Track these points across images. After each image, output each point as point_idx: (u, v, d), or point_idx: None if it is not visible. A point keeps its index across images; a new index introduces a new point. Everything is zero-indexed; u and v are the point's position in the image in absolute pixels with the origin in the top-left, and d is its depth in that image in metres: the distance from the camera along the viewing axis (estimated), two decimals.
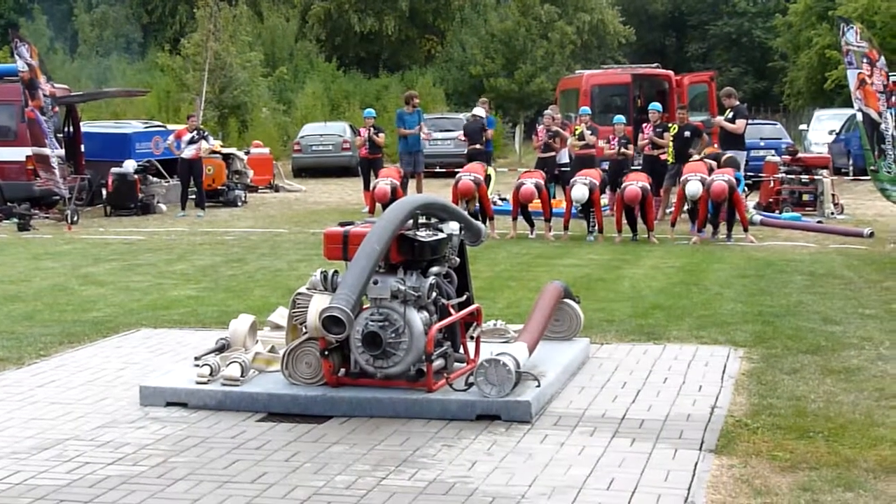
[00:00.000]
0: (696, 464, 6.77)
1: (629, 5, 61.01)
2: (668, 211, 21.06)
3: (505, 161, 41.16)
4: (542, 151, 24.13)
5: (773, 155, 24.31)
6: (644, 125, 23.26)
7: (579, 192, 18.46)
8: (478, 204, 19.20)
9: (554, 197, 22.25)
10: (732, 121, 21.22)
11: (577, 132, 23.76)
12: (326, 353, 8.08)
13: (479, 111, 26.24)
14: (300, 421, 7.80)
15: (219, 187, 27.53)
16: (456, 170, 25.17)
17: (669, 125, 22.74)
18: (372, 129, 24.97)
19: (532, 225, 19.72)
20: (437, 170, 30.79)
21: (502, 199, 23.29)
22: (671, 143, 21.41)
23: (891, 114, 19.27)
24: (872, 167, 19.88)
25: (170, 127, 29.06)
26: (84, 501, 6.28)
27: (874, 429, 7.44)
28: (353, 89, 52.47)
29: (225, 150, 29.43)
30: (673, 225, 19.35)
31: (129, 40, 59.24)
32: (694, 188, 18.07)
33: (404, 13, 59.01)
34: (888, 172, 19.21)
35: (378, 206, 20.61)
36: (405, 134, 25.42)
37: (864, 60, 19.17)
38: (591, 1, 58.94)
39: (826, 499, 6.11)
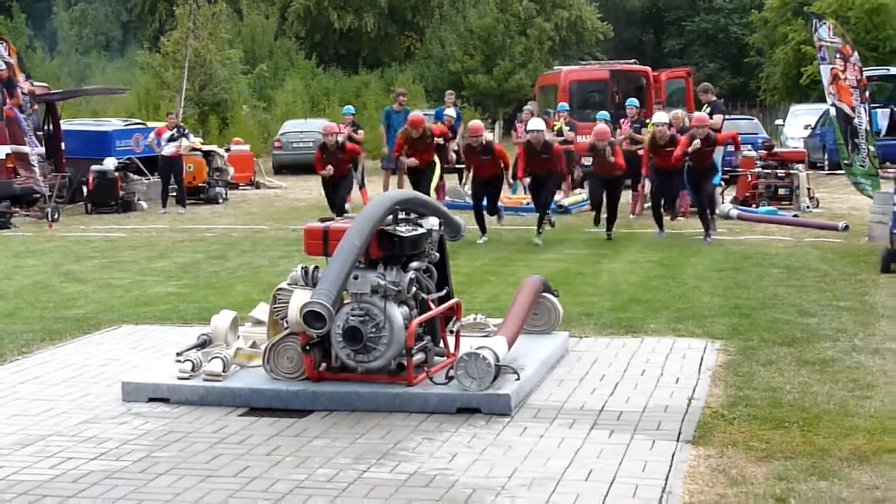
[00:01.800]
0: (674, 454, 6.80)
1: (607, 2, 61.01)
2: (646, 206, 21.12)
3: None
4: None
5: (749, 150, 24.34)
6: (622, 120, 23.27)
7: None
8: None
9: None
10: (710, 116, 21.28)
11: (555, 128, 23.83)
12: (307, 347, 8.10)
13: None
14: (282, 415, 7.81)
15: (199, 184, 27.51)
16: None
17: (647, 121, 22.80)
18: (351, 126, 24.98)
19: (484, 231, 18.64)
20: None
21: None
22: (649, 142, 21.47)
23: (864, 109, 19.38)
24: (846, 161, 20.02)
25: (150, 124, 28.98)
26: (67, 496, 6.28)
27: (848, 419, 7.48)
28: (333, 86, 52.43)
29: (205, 148, 29.43)
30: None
31: (109, 38, 59.11)
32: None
33: (384, 10, 58.97)
34: (862, 167, 19.34)
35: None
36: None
37: (838, 56, 19.29)
38: None
39: (801, 488, 6.14)
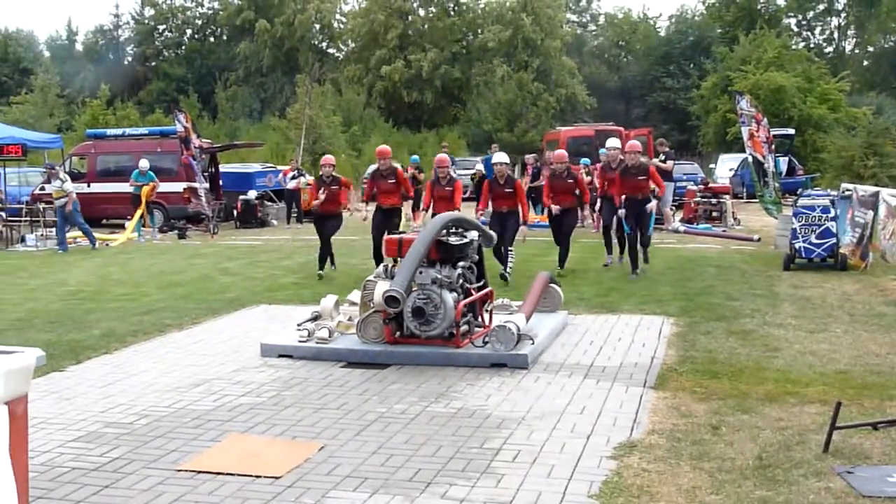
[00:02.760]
0: (641, 396, 6.80)
1: (592, 82, 60.87)
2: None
3: None
4: (531, 182, 24.29)
5: (692, 185, 24.29)
6: (597, 164, 23.26)
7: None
8: None
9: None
10: (664, 161, 21.24)
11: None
12: (387, 321, 8.14)
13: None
14: (369, 368, 7.84)
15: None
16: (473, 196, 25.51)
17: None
18: (416, 169, 25.12)
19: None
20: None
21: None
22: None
23: (771, 157, 19.33)
24: (759, 193, 19.99)
25: (278, 168, 29.11)
26: (224, 420, 6.34)
27: (762, 372, 7.45)
28: (403, 141, 52.40)
29: None
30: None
31: (251, 109, 59.45)
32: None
33: (438, 89, 59.02)
34: (770, 197, 19.30)
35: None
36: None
37: (753, 120, 19.19)
38: (566, 80, 58.86)
39: (729, 419, 6.12)
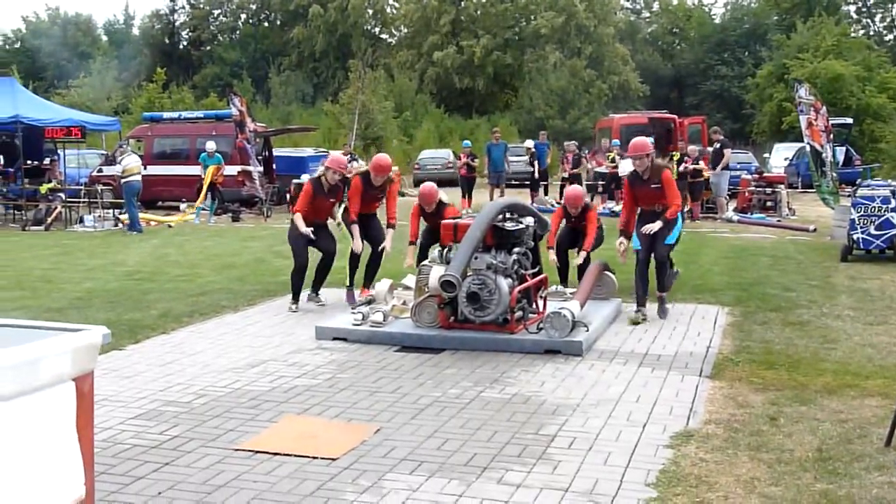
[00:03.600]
0: (697, 385, 6.73)
1: (645, 70, 60.24)
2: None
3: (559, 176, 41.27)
4: (572, 169, 24.29)
5: (746, 174, 24.03)
6: None
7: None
8: None
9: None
10: (720, 150, 21.03)
11: (609, 157, 23.63)
12: (442, 305, 8.14)
13: (528, 143, 26.43)
14: (423, 352, 7.84)
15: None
16: (526, 181, 25.48)
17: (673, 154, 22.50)
18: (470, 156, 25.01)
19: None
20: (513, 182, 30.59)
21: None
22: (675, 168, 21.21)
23: (829, 147, 19.03)
24: (817, 183, 19.69)
25: (331, 152, 29.21)
26: (280, 402, 6.38)
27: (820, 363, 7.33)
28: (455, 127, 52.42)
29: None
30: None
31: (304, 94, 59.75)
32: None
33: (490, 75, 58.90)
34: (827, 187, 18.99)
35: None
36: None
37: (812, 109, 18.91)
38: (619, 67, 58.39)
39: (787, 411, 6.03)
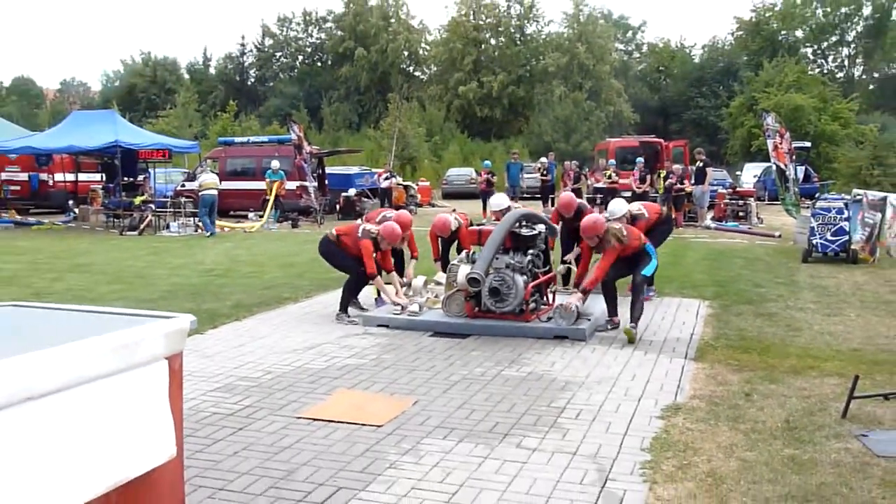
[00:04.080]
0: (683, 366, 6.67)
1: (636, 101, 59.90)
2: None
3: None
4: (573, 184, 24.10)
5: (721, 189, 23.83)
6: (634, 171, 22.90)
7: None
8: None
9: None
10: (703, 169, 20.88)
11: (607, 174, 23.50)
12: (468, 298, 8.11)
13: (543, 160, 26.34)
14: (452, 337, 7.82)
15: (401, 203, 27.64)
16: (537, 195, 25.35)
17: (660, 171, 22.36)
18: (489, 174, 24.99)
19: None
20: (525, 195, 30.53)
21: None
22: (662, 183, 21.11)
23: (792, 166, 18.86)
24: (781, 196, 19.52)
25: (373, 170, 29.25)
26: (334, 378, 6.38)
27: (786, 348, 7.26)
28: (476, 149, 52.23)
29: (404, 183, 29.60)
30: None
31: (351, 121, 59.83)
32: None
33: (505, 105, 58.71)
34: (790, 200, 18.83)
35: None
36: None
37: (777, 134, 18.76)
38: (613, 98, 58.10)
39: (760, 388, 5.97)
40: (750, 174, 34.24)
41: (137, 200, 21.86)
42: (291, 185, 23.63)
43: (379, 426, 5.18)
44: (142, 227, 20.54)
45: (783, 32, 58.59)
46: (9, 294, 10.08)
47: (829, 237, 13.42)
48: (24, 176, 26.48)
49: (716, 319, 8.63)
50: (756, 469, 4.40)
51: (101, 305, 4.40)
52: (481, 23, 61.88)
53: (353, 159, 36.40)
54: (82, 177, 26.92)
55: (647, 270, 8.03)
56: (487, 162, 27.88)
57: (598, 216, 8.28)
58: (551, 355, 7.06)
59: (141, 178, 23.85)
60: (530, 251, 8.41)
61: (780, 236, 17.70)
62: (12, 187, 26.12)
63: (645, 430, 5.06)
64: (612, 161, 25.05)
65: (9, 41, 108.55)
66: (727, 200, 22.14)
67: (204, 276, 12.25)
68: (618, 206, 9.43)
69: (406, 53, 65.03)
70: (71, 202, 25.16)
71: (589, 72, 58.11)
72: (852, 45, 61.26)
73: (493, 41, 62.30)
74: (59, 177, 26.55)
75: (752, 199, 22.27)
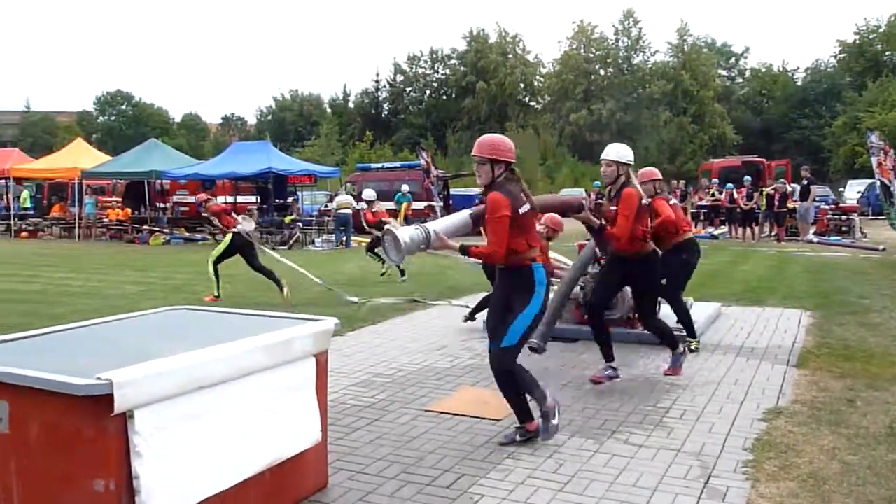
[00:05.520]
0: (785, 372, 6.39)
1: (738, 123, 57.84)
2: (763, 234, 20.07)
3: None
4: (680, 202, 23.41)
5: (824, 205, 22.71)
6: (740, 188, 22.05)
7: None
8: None
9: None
10: (808, 186, 20.00)
11: (710, 192, 22.78)
12: (578, 306, 8.03)
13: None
14: (565, 341, 7.76)
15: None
16: None
17: (762, 189, 21.53)
18: (599, 193, 24.66)
19: None
20: None
21: None
22: (765, 200, 20.34)
23: None
24: (886, 211, 18.44)
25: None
26: (458, 376, 6.45)
27: (890, 357, 6.85)
28: (586, 171, 51.41)
29: None
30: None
31: (472, 148, 60.38)
32: None
33: (613, 131, 57.54)
34: (894, 214, 17.77)
35: None
36: None
37: (881, 151, 17.74)
38: (717, 122, 56.38)
39: (862, 395, 5.66)
40: (853, 190, 32.64)
41: (287, 219, 22.77)
42: (420, 205, 24.02)
43: (498, 420, 5.21)
44: (291, 242, 21.37)
45: (888, 53, 55.26)
46: (179, 300, 10.67)
47: None
48: (191, 199, 28.04)
49: (818, 329, 8.23)
50: (859, 472, 4.18)
51: (257, 310, 4.62)
52: (591, 55, 61.35)
53: (475, 182, 36.66)
54: (240, 199, 28.26)
55: (526, 314, 4.79)
56: (597, 182, 27.55)
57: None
58: (656, 360, 6.90)
59: (290, 199, 24.87)
60: None
61: (884, 250, 16.70)
62: (182, 208, 27.66)
63: (747, 432, 4.88)
64: (716, 180, 24.29)
65: (180, 83, 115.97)
66: (830, 216, 21.09)
67: (343, 286, 12.57)
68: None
69: (522, 85, 65.11)
70: None
71: (693, 97, 56.62)
72: None
73: (602, 71, 61.59)
74: (220, 199, 27.95)
75: (855, 214, 21.13)
